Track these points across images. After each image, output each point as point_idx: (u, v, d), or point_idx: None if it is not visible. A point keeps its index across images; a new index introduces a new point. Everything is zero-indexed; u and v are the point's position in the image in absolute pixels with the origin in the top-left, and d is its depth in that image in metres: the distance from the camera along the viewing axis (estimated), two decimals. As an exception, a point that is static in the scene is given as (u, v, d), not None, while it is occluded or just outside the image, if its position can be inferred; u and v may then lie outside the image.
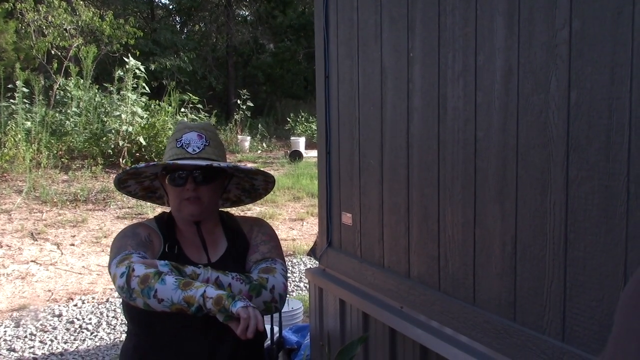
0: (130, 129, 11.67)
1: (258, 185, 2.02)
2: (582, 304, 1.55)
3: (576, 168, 1.55)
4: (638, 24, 1.38)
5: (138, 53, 15.17)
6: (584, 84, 1.51)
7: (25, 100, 11.89)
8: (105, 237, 7.68)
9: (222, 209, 2.03)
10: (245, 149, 15.78)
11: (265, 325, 2.42)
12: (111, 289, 5.91)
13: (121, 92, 12.28)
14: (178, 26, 25.03)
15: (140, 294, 1.55)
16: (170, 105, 13.35)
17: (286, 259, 6.85)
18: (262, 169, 1.93)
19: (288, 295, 5.61)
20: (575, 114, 1.54)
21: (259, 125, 17.78)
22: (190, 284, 1.55)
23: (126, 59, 12.26)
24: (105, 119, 12.26)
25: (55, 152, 11.74)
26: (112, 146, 11.71)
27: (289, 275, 6.36)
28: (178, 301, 1.53)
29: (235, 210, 2.14)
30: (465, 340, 1.96)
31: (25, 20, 14.37)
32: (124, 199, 9.39)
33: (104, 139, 11.81)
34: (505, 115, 1.76)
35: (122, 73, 12.29)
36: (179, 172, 1.78)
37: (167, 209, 1.97)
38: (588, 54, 1.50)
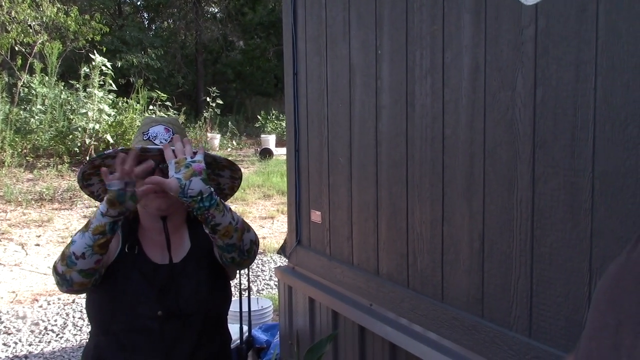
0: (97, 126, 11.49)
1: (224, 184, 1.99)
2: (548, 300, 1.57)
3: (542, 165, 1.56)
4: (602, 21, 1.39)
5: (104, 49, 14.94)
6: (550, 82, 1.52)
7: (-13, 97, 11.64)
8: (71, 236, 7.54)
9: None
10: (215, 147, 15.67)
11: (234, 324, 2.39)
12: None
13: (88, 90, 12.07)
14: (146, 23, 24.73)
15: (68, 268, 1.58)
16: (138, 102, 13.18)
17: (256, 257, 6.82)
18: (229, 159, 1.90)
19: (258, 294, 5.59)
20: (541, 111, 1.55)
21: (229, 123, 17.67)
22: (88, 223, 1.59)
23: (92, 56, 12.06)
24: (71, 117, 12.04)
25: (19, 150, 11.51)
26: (79, 144, 11.51)
27: (259, 273, 6.33)
28: (92, 239, 1.56)
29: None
30: (434, 337, 1.96)
31: (-12, 16, 14.05)
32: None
33: (70, 137, 11.60)
34: (472, 113, 1.76)
35: (88, 70, 12.08)
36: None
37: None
38: (553, 51, 1.51)
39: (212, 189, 1.59)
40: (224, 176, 1.97)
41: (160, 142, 1.77)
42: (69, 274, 1.57)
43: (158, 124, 1.81)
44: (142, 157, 1.75)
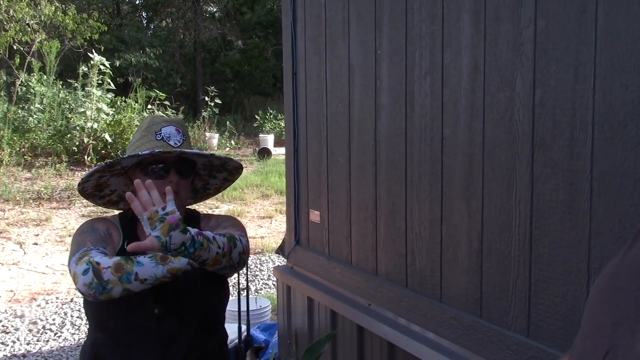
0: (95, 125, 11.48)
1: (212, 184, 2.00)
2: (546, 300, 1.57)
3: (541, 165, 1.56)
4: (601, 22, 1.40)
5: (103, 48, 14.92)
6: (549, 82, 1.53)
7: (-15, 96, 11.63)
8: (69, 235, 7.54)
9: (189, 207, 2.01)
10: (213, 147, 15.66)
11: (233, 324, 2.39)
12: (75, 289, 5.80)
13: (86, 89, 12.06)
14: (144, 22, 24.70)
15: (119, 282, 1.54)
16: (136, 102, 13.17)
17: (254, 257, 6.81)
18: (237, 161, 1.92)
19: (256, 294, 5.58)
20: (540, 112, 1.56)
21: (227, 122, 17.67)
22: (167, 258, 1.57)
23: (91, 55, 12.04)
24: (69, 116, 12.03)
25: (17, 149, 11.50)
26: (77, 143, 11.50)
27: (257, 273, 6.33)
28: (163, 275, 1.56)
29: (204, 208, 2.11)
30: (433, 337, 1.97)
31: (-14, 15, 14.03)
32: (89, 197, 9.22)
33: (69, 136, 11.59)
34: (471, 113, 1.77)
35: (86, 69, 12.07)
36: (159, 165, 1.73)
37: (109, 211, 1.95)
38: (552, 52, 1.52)
39: (193, 233, 1.56)
40: (217, 178, 1.97)
41: (175, 143, 1.77)
42: (115, 286, 1.54)
43: (169, 124, 1.80)
44: (149, 160, 1.74)
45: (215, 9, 24.76)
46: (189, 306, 1.77)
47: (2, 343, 4.66)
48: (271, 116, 18.16)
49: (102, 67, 11.95)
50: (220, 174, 1.94)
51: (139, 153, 1.69)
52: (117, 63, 17.78)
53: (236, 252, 1.70)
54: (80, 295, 1.68)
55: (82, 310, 5.22)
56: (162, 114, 13.62)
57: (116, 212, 1.98)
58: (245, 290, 3.35)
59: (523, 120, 1.60)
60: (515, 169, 1.64)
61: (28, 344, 4.66)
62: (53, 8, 14.70)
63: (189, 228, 1.56)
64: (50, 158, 11.44)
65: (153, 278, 1.56)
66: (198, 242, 1.56)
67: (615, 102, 1.38)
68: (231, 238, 1.70)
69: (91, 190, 1.87)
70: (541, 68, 1.55)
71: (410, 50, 2.01)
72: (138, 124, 11.94)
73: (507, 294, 1.69)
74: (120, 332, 1.74)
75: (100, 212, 8.56)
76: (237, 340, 3.16)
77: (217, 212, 8.29)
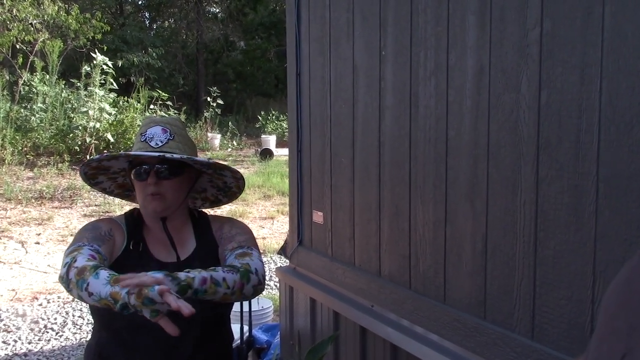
0: (97, 125, 11.49)
1: (230, 183, 1.99)
2: (551, 302, 1.57)
3: (546, 167, 1.56)
4: (608, 24, 1.39)
5: (105, 48, 14.93)
6: (555, 84, 1.52)
7: (-12, 95, 11.64)
8: (71, 235, 7.54)
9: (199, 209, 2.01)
10: (216, 147, 15.66)
11: (235, 324, 2.39)
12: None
13: (88, 88, 12.06)
14: (147, 22, 24.73)
15: (76, 285, 1.52)
16: (139, 102, 13.17)
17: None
18: (222, 162, 1.89)
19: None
20: (546, 114, 1.55)
21: (229, 123, 17.66)
22: (117, 278, 1.48)
23: (93, 55, 12.05)
24: (72, 115, 12.03)
25: (20, 148, 11.50)
26: (79, 143, 11.50)
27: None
28: (105, 296, 1.47)
29: (208, 210, 2.11)
30: (436, 338, 1.96)
31: (-11, 14, 14.05)
32: (91, 196, 9.24)
33: (71, 135, 11.59)
34: (476, 114, 1.76)
35: (89, 69, 12.08)
36: (142, 167, 1.74)
37: (112, 211, 1.95)
38: (558, 54, 1.51)
39: (196, 286, 1.52)
40: (227, 176, 1.97)
41: (156, 143, 1.77)
42: (73, 288, 1.53)
43: (156, 125, 1.81)
44: (136, 161, 1.76)
45: (217, 10, 24.77)
46: (195, 307, 1.77)
47: (4, 342, 4.66)
48: (273, 117, 18.15)
49: (104, 67, 11.96)
50: (224, 171, 1.94)
51: (93, 158, 1.76)
52: (120, 63, 17.78)
53: (250, 286, 1.67)
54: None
55: (84, 309, 5.23)
56: (163, 114, 13.65)
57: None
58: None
59: (528, 121, 1.60)
60: (520, 171, 1.63)
61: (30, 343, 4.66)
62: (56, 8, 14.71)
63: (194, 282, 1.51)
64: (52, 157, 11.45)
65: (97, 295, 1.47)
66: (202, 290, 1.53)
67: (622, 104, 1.37)
68: (245, 274, 1.65)
69: (117, 191, 1.94)
70: (547, 70, 1.54)
71: (415, 51, 2.00)
72: (140, 124, 11.94)
73: (512, 296, 1.68)
74: (125, 332, 1.73)
75: (102, 212, 8.56)
76: (239, 341, 3.15)
77: (219, 212, 8.29)
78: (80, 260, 1.56)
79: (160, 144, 1.76)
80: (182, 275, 1.52)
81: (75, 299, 1.55)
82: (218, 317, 1.86)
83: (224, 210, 8.85)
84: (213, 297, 1.57)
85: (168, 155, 1.70)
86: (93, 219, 1.93)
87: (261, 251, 6.80)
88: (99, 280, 1.49)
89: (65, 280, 1.56)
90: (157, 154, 1.70)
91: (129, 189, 1.96)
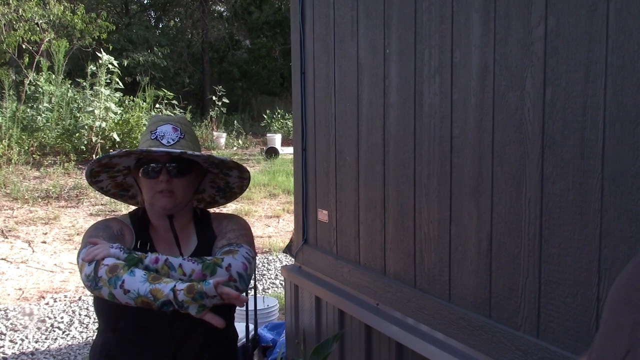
0: (103, 124, 11.52)
1: (233, 183, 1.99)
2: (556, 300, 1.56)
3: (551, 165, 1.55)
4: (612, 21, 1.39)
5: (111, 48, 14.97)
6: (559, 82, 1.52)
7: (-5, 95, 11.69)
8: (77, 234, 7.57)
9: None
10: (221, 146, 15.69)
11: (240, 323, 2.39)
12: (84, 287, 5.82)
13: (94, 88, 12.10)
14: (153, 21, 24.77)
15: (107, 283, 1.54)
16: (144, 101, 13.20)
17: (262, 256, 6.81)
18: (236, 161, 1.90)
19: (264, 293, 5.59)
20: (550, 111, 1.55)
21: (235, 121, 17.68)
22: (159, 279, 1.54)
23: (99, 54, 12.09)
24: (78, 115, 12.07)
25: (26, 148, 11.55)
26: (85, 142, 11.54)
27: (264, 272, 6.33)
28: (145, 293, 1.51)
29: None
30: (441, 337, 1.96)
31: (-5, 14, 14.10)
32: (97, 195, 9.26)
33: (77, 135, 11.64)
34: (481, 112, 1.76)
35: (95, 68, 12.11)
36: (153, 165, 1.75)
37: (117, 210, 1.95)
38: (563, 51, 1.51)
39: (146, 261, 1.62)
40: (232, 175, 1.97)
41: (168, 141, 1.77)
42: (104, 286, 1.55)
43: (166, 123, 1.82)
44: (146, 159, 1.77)
45: (223, 9, 24.79)
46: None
47: (11, 341, 4.68)
48: (279, 116, 18.17)
49: (110, 66, 11.99)
50: (231, 171, 1.94)
51: (108, 154, 1.74)
52: (125, 62, 17.82)
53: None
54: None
55: (90, 308, 5.25)
56: (169, 113, 13.69)
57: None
58: (253, 290, 3.35)
59: (533, 119, 1.59)
60: (525, 169, 1.63)
61: (36, 342, 4.68)
62: (62, 7, 14.76)
63: (146, 259, 1.61)
64: (58, 157, 11.49)
65: (135, 293, 1.52)
66: (153, 268, 1.61)
67: (627, 102, 1.37)
68: (209, 266, 1.69)
69: (114, 190, 1.92)
70: (551, 67, 1.54)
71: (419, 49, 2.00)
72: (146, 123, 11.98)
73: (517, 294, 1.68)
74: (132, 332, 1.74)
75: (108, 211, 8.59)
76: (244, 340, 3.16)
77: (225, 210, 8.31)
78: (110, 259, 1.58)
79: (172, 142, 1.77)
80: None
81: (104, 295, 1.57)
82: (224, 316, 1.87)
83: (229, 209, 8.87)
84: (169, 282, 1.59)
85: (190, 152, 1.72)
86: (99, 218, 1.93)
87: (267, 250, 6.74)
88: (136, 278, 1.53)
89: (92, 278, 1.56)
90: (178, 150, 1.71)
91: (126, 189, 1.95)
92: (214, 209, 2.08)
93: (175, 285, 1.50)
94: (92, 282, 1.57)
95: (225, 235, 1.85)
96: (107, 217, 1.89)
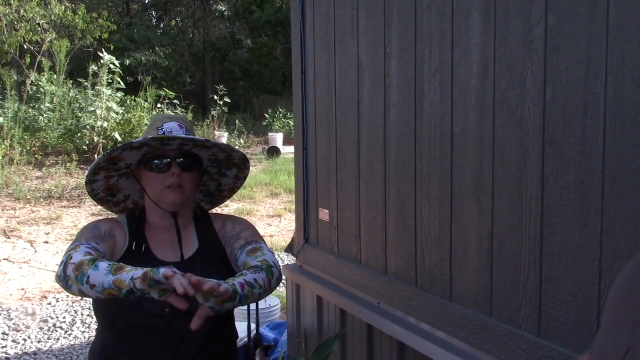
0: (105, 124, 11.52)
1: (225, 184, 1.98)
2: (557, 299, 1.56)
3: (552, 163, 1.55)
4: (613, 19, 1.38)
5: (112, 47, 14.97)
6: (560, 80, 1.52)
7: (-4, 95, 11.70)
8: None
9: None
10: (223, 145, 15.66)
11: (242, 322, 2.39)
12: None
13: (96, 88, 12.10)
14: (154, 21, 24.78)
15: (75, 281, 1.52)
16: (146, 100, 13.20)
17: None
18: (243, 153, 1.90)
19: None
20: (551, 109, 1.54)
21: (236, 121, 17.68)
22: (122, 268, 1.50)
23: (100, 54, 12.09)
24: (79, 115, 12.08)
25: (28, 148, 11.56)
26: (87, 142, 11.55)
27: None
28: (109, 285, 1.48)
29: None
30: (442, 335, 1.96)
31: (-4, 15, 14.11)
32: (99, 195, 9.26)
33: (79, 134, 11.64)
34: (481, 111, 1.76)
35: (96, 68, 12.12)
36: (162, 159, 1.74)
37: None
38: (563, 49, 1.50)
39: (239, 295, 1.54)
40: (228, 176, 1.96)
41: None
42: (73, 284, 1.54)
43: (171, 120, 1.82)
44: (153, 154, 1.75)
45: (224, 8, 24.79)
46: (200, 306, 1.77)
47: (14, 341, 4.69)
48: (280, 115, 18.16)
49: (111, 66, 11.99)
50: (230, 170, 1.94)
51: (132, 141, 1.69)
52: (127, 62, 17.84)
53: (275, 280, 1.70)
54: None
55: (92, 308, 5.25)
56: (171, 113, 13.67)
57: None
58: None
59: (533, 117, 1.59)
60: (525, 167, 1.62)
61: (39, 342, 4.69)
62: (63, 7, 14.77)
63: (237, 289, 1.53)
64: (60, 157, 11.50)
65: (100, 286, 1.49)
66: (244, 296, 1.55)
67: (627, 100, 1.36)
68: (268, 270, 1.68)
69: (103, 194, 1.87)
70: (552, 65, 1.54)
71: (419, 47, 2.00)
72: (147, 122, 11.99)
73: (518, 293, 1.68)
74: (131, 332, 1.74)
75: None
76: (246, 339, 3.16)
77: (226, 210, 8.31)
78: (77, 257, 1.57)
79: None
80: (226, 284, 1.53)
81: (77, 296, 1.54)
82: (223, 316, 1.86)
83: (230, 208, 8.87)
84: (251, 300, 1.59)
85: (212, 141, 1.74)
86: (101, 218, 1.92)
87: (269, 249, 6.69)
88: (99, 271, 1.50)
89: (62, 278, 1.56)
90: (201, 139, 1.72)
91: (113, 194, 1.91)
92: (214, 209, 2.08)
93: (133, 274, 1.48)
94: (63, 281, 1.56)
95: (240, 236, 1.86)
96: (102, 217, 1.88)
